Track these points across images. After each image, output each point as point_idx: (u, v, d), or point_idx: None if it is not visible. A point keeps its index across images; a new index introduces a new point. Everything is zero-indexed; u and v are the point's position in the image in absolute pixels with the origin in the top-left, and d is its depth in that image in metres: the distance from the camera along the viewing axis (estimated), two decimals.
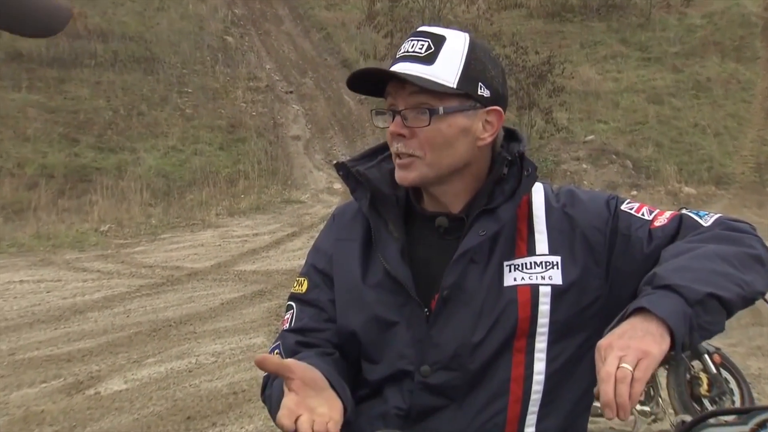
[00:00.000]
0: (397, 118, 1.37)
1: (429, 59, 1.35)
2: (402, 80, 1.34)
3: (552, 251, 1.38)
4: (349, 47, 19.89)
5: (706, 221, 1.39)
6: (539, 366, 1.35)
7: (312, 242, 1.61)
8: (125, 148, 13.81)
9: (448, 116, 1.35)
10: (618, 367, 1.08)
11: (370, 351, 1.42)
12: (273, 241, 10.07)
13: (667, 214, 1.42)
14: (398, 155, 1.38)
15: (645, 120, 17.08)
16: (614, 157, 15.61)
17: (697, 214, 1.40)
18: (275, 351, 1.45)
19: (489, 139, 1.41)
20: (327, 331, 1.45)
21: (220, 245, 9.84)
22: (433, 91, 1.33)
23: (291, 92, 17.86)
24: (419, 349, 1.37)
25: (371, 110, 1.44)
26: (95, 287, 7.57)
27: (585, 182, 14.55)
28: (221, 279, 8.01)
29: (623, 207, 1.42)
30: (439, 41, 1.36)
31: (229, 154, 14.54)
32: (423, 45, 1.36)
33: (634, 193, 14.28)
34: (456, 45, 1.37)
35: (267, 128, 15.97)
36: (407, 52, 1.37)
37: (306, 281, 1.51)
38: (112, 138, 13.99)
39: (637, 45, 20.43)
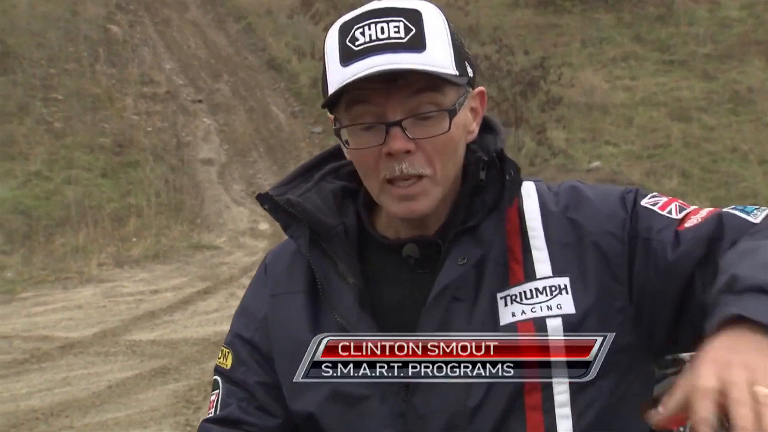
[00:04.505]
0: (395, 131, 1.36)
1: (416, 44, 1.35)
2: (394, 78, 1.34)
3: (557, 271, 1.41)
4: (277, 42, 20.08)
5: (757, 217, 1.39)
6: (565, 425, 1.36)
7: (234, 300, 1.63)
8: None
9: (457, 113, 1.39)
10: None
11: None
12: (178, 300, 10.01)
13: (703, 212, 1.42)
14: (404, 178, 1.38)
15: (667, 142, 17.42)
16: None
17: (743, 210, 1.41)
18: None
19: (476, 131, 1.47)
20: (256, 427, 1.49)
21: (105, 306, 9.76)
22: (435, 86, 1.36)
23: (200, 101, 17.95)
24: (401, 426, 1.39)
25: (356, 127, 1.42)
26: None
27: None
28: (108, 353, 7.95)
29: (644, 202, 1.45)
30: (415, 18, 1.37)
31: (116, 184, 14.50)
32: (398, 26, 1.35)
33: None
34: (435, 19, 1.39)
35: (168, 149, 15.99)
36: (378, 39, 1.35)
37: (230, 354, 1.55)
38: None
39: (656, 44, 20.93)
